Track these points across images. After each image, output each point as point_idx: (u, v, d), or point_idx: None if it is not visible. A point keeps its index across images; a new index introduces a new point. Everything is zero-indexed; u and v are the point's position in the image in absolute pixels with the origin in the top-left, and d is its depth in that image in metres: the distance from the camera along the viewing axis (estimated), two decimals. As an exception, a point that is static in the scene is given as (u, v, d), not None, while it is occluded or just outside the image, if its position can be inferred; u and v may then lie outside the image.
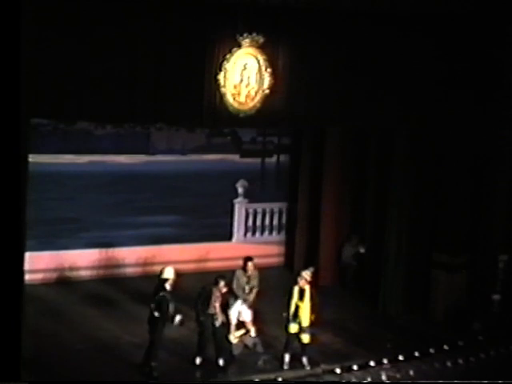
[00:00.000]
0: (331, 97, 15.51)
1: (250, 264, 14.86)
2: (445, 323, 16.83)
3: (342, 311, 16.99)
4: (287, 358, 14.29)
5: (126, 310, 16.40)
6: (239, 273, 14.86)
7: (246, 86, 14.66)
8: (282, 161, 20.38)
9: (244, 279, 14.89)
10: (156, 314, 13.39)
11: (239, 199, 19.98)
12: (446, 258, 17.11)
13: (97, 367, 13.67)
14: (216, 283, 13.96)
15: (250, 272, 14.85)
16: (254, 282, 14.90)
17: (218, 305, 13.90)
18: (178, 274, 13.84)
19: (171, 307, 13.42)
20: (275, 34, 14.62)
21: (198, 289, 14.26)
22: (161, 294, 13.42)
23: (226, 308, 14.30)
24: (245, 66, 14.56)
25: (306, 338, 14.26)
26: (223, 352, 14.14)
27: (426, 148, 16.92)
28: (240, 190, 19.88)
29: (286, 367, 14.23)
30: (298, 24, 14.77)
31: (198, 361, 14.06)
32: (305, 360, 14.41)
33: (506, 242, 17.62)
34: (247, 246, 19.79)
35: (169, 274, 13.63)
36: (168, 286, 13.49)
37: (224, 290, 13.98)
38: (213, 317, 13.89)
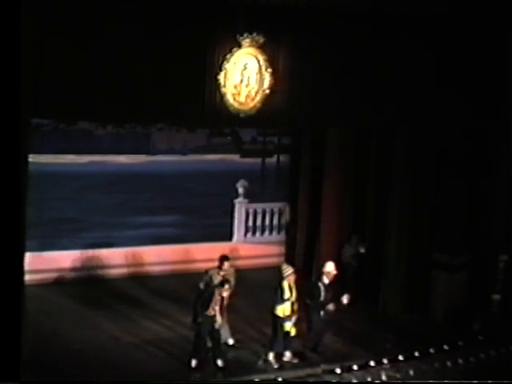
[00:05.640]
0: (331, 97, 15.50)
1: (226, 264, 14.67)
2: (445, 323, 16.82)
3: (342, 311, 16.99)
4: (272, 356, 14.33)
5: (125, 310, 16.39)
6: (213, 272, 14.69)
7: (247, 86, 14.65)
8: (282, 161, 20.42)
9: (218, 278, 14.76)
10: (308, 301, 14.60)
11: (239, 199, 20.01)
12: (446, 258, 17.11)
13: (97, 367, 13.68)
14: (220, 286, 13.93)
15: (225, 272, 14.58)
16: (231, 281, 14.75)
17: (217, 307, 13.82)
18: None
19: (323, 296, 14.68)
20: (275, 34, 14.61)
21: (197, 289, 14.28)
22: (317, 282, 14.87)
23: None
24: (245, 65, 14.55)
25: (294, 330, 14.29)
26: (222, 353, 14.12)
27: (425, 148, 16.93)
28: (240, 190, 19.91)
29: (275, 366, 14.28)
30: (298, 24, 14.76)
31: (193, 363, 13.93)
32: (288, 354, 14.45)
33: (506, 242, 17.64)
34: (247, 245, 19.84)
35: (329, 267, 14.87)
36: (325, 279, 14.74)
37: (225, 293, 13.93)
38: (212, 318, 13.80)
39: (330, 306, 14.77)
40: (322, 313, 14.73)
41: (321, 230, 18.80)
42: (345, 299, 14.90)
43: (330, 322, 14.96)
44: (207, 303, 13.80)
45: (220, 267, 14.56)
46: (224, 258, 14.68)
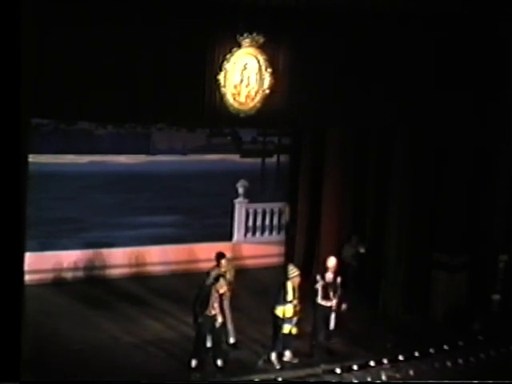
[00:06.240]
0: (331, 97, 15.51)
1: (223, 261, 14.61)
2: (445, 323, 16.82)
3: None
4: (274, 356, 14.32)
5: (125, 310, 16.39)
6: (214, 272, 14.69)
7: (246, 86, 14.66)
8: (282, 161, 20.42)
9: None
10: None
11: (239, 199, 20.01)
12: (446, 258, 17.10)
13: (97, 367, 13.68)
14: (214, 283, 13.93)
15: (224, 269, 14.55)
16: (230, 277, 14.70)
17: (217, 305, 13.81)
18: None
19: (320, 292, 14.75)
20: (275, 34, 14.62)
21: (196, 290, 14.28)
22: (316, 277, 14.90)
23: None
24: (245, 65, 14.56)
25: (295, 330, 14.28)
26: (222, 353, 14.12)
27: (426, 148, 16.93)
28: (240, 190, 19.90)
29: (277, 366, 14.27)
30: (298, 24, 14.76)
31: (193, 363, 13.90)
32: (288, 354, 14.43)
33: (506, 242, 17.64)
34: (247, 245, 19.84)
35: (330, 262, 14.93)
36: (329, 274, 14.79)
37: (222, 290, 13.93)
38: (212, 318, 13.79)
39: (343, 306, 14.83)
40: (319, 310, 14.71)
41: (321, 230, 18.80)
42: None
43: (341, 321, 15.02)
44: (206, 303, 13.77)
45: (218, 265, 14.57)
46: (220, 256, 14.68)
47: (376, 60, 15.63)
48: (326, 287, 14.70)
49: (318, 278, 14.77)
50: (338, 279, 14.88)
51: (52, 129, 16.89)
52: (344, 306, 14.86)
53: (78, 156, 17.98)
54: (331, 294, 14.71)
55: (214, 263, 14.65)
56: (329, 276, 14.79)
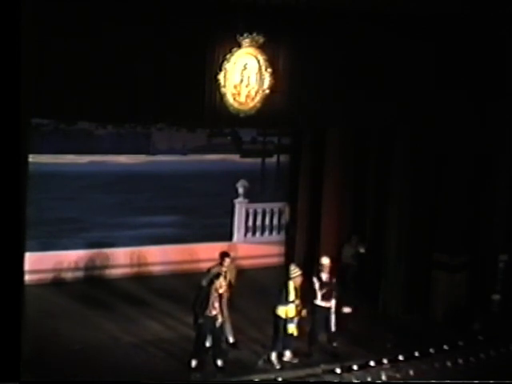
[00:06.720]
0: (331, 97, 15.52)
1: (227, 260, 14.64)
2: (445, 323, 16.83)
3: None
4: (274, 356, 14.32)
5: (125, 310, 16.39)
6: (214, 271, 14.66)
7: (246, 86, 14.66)
8: (282, 161, 20.41)
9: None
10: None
11: (239, 199, 20.01)
12: (446, 258, 17.11)
13: (97, 367, 13.68)
14: (212, 283, 13.91)
15: (226, 268, 14.56)
16: (231, 277, 14.70)
17: (217, 305, 13.81)
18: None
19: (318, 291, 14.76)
20: (275, 34, 14.62)
21: (197, 289, 14.28)
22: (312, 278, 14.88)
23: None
24: (245, 65, 14.56)
25: (296, 330, 14.25)
26: (222, 353, 14.12)
27: (426, 148, 16.94)
28: (240, 190, 19.91)
29: (277, 366, 14.27)
30: (298, 24, 14.77)
31: (193, 363, 13.91)
32: (288, 354, 14.43)
33: (506, 242, 17.65)
34: (247, 245, 19.83)
35: (324, 261, 14.97)
36: (323, 274, 14.78)
37: (221, 290, 13.91)
38: (213, 318, 13.77)
39: (345, 309, 14.85)
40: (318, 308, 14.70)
41: (321, 230, 18.81)
42: (345, 309, 14.93)
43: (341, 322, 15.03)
44: (205, 303, 13.76)
45: (221, 263, 14.57)
46: (224, 255, 14.70)
47: (376, 60, 15.64)
48: (322, 288, 14.69)
49: (314, 278, 14.76)
50: (334, 279, 14.85)
51: (52, 129, 16.85)
52: (348, 309, 14.85)
53: (78, 156, 17.93)
54: (328, 294, 14.69)
55: (214, 263, 14.64)
56: (324, 276, 14.78)
